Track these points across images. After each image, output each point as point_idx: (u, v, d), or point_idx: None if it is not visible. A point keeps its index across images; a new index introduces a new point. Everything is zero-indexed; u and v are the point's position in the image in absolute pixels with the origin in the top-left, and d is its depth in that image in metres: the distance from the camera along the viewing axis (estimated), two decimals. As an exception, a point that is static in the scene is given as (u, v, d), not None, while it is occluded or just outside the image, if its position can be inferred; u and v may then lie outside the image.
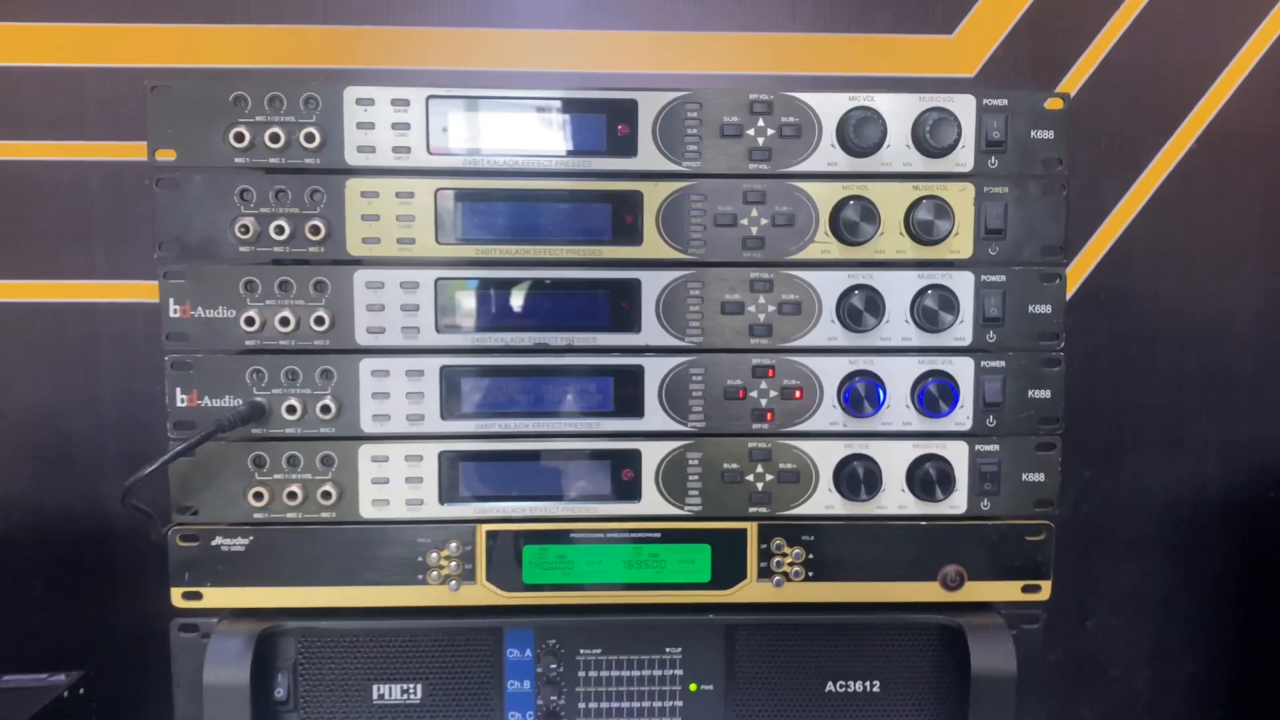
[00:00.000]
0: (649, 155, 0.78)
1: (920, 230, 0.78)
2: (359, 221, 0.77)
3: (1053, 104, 0.79)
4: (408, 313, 0.78)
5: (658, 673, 0.82)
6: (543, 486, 0.81)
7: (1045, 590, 0.82)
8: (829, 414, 0.80)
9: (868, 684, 0.83)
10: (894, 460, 0.81)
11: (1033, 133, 0.79)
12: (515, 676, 0.81)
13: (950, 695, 0.83)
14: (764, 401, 0.80)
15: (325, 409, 0.78)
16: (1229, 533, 1.15)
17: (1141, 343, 1.12)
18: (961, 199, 0.79)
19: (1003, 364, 0.80)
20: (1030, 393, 0.81)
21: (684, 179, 0.79)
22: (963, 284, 0.80)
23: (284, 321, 0.77)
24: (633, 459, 0.80)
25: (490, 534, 0.80)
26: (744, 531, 0.81)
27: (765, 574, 0.81)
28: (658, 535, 0.81)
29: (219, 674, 0.76)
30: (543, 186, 0.78)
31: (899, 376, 0.80)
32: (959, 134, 0.77)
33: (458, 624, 0.81)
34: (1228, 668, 1.16)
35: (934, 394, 0.79)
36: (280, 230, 0.77)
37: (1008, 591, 0.82)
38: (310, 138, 0.76)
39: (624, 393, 0.80)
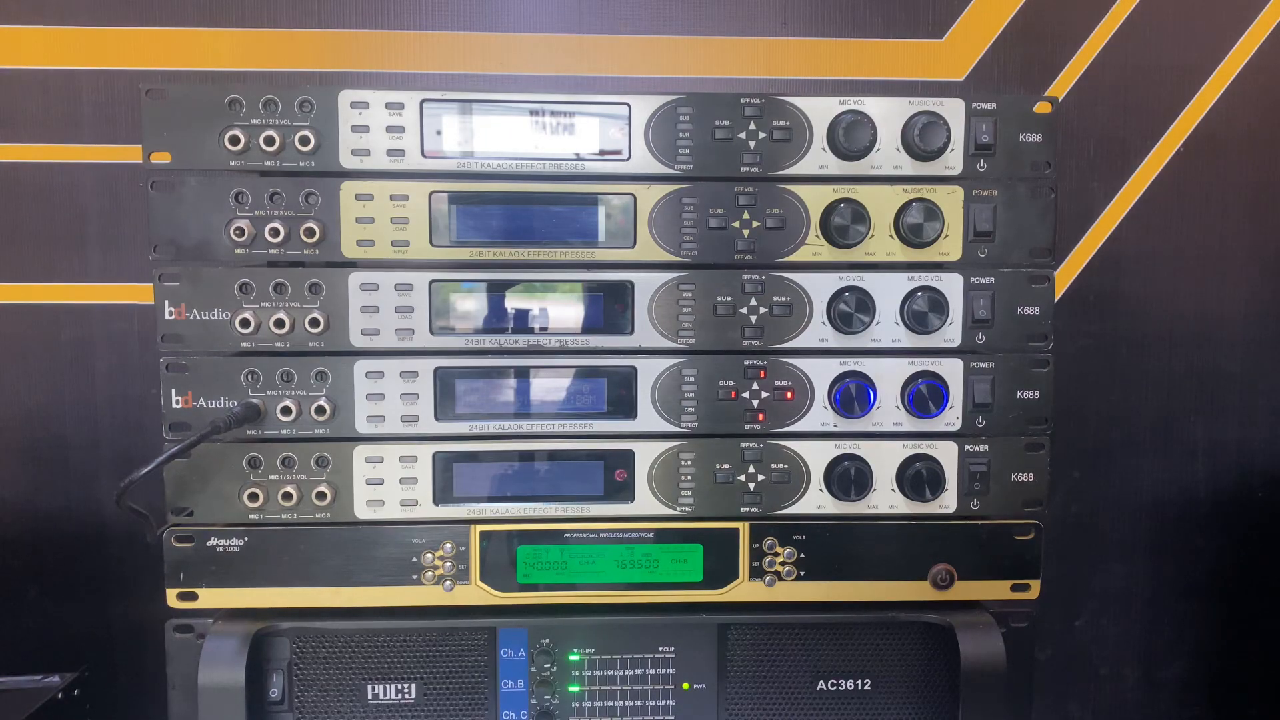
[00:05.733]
0: (641, 158, 0.79)
1: (910, 233, 0.79)
2: (353, 224, 0.78)
3: (1041, 108, 0.80)
4: (402, 315, 0.79)
5: (651, 671, 0.82)
6: (536, 487, 0.81)
7: (1034, 589, 0.83)
8: (820, 414, 0.81)
9: (859, 682, 0.83)
10: (884, 460, 0.81)
11: (1021, 136, 0.80)
12: (509, 676, 0.82)
13: (940, 693, 0.84)
14: (756, 402, 0.81)
15: (320, 410, 0.78)
16: (1217, 532, 1.16)
17: (1130, 344, 1.13)
18: (951, 202, 0.80)
19: (992, 365, 0.81)
20: (1019, 393, 0.81)
21: (676, 182, 0.79)
22: (952, 286, 0.80)
23: (279, 323, 0.78)
24: (626, 460, 0.81)
25: (484, 534, 0.80)
26: (736, 531, 0.81)
27: (757, 573, 0.81)
28: (650, 535, 0.81)
29: (214, 674, 0.77)
30: (536, 189, 0.79)
31: (889, 377, 0.81)
32: (948, 137, 0.78)
33: (452, 624, 0.81)
34: (1216, 666, 1.17)
35: (924, 395, 0.80)
36: (275, 233, 0.77)
37: (997, 590, 0.83)
38: (305, 141, 0.77)
39: (617, 394, 0.81)
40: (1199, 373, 1.13)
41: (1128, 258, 1.11)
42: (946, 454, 0.81)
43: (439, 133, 0.78)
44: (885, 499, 0.82)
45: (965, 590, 0.82)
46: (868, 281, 0.80)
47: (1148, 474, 1.14)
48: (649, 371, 0.80)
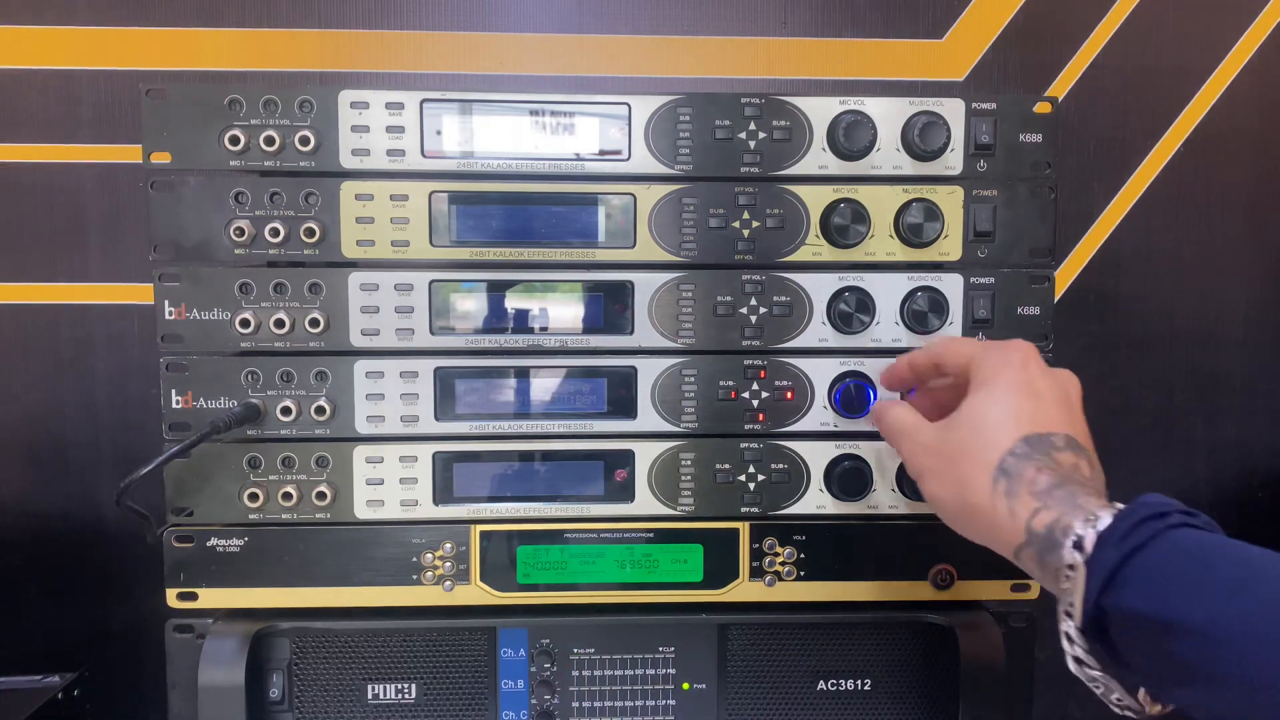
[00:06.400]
0: (641, 158, 0.79)
1: (910, 233, 0.79)
2: (353, 224, 0.78)
3: (1041, 108, 0.80)
4: (402, 315, 0.79)
5: (651, 672, 0.82)
6: (536, 487, 0.81)
7: (1035, 589, 0.83)
8: (820, 414, 0.81)
9: (859, 682, 0.83)
10: (884, 460, 0.81)
11: (1021, 136, 0.80)
12: (509, 676, 0.82)
13: (940, 693, 0.84)
14: (756, 402, 0.81)
15: (320, 410, 0.78)
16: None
17: (1129, 344, 1.13)
18: (951, 202, 0.80)
19: (992, 365, 0.81)
20: (1019, 393, 0.81)
21: (676, 182, 0.79)
22: (952, 286, 0.80)
23: (279, 323, 0.78)
24: (626, 460, 0.81)
25: (484, 534, 0.80)
26: (736, 531, 0.81)
27: (757, 573, 0.82)
28: (650, 535, 0.81)
29: (214, 675, 0.77)
30: (536, 189, 0.79)
31: (889, 377, 0.81)
32: (948, 137, 0.78)
33: (452, 624, 0.81)
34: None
35: (924, 395, 0.80)
36: (275, 233, 0.77)
37: (997, 590, 0.83)
38: (305, 141, 0.77)
39: (617, 394, 0.81)
40: (1199, 373, 1.13)
41: (1128, 258, 1.11)
42: (946, 454, 0.81)
43: (439, 133, 0.78)
44: (885, 499, 0.82)
45: (965, 590, 0.82)
46: (868, 281, 0.80)
47: (1148, 474, 1.14)
48: (649, 371, 0.80)
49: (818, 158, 0.79)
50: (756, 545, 0.81)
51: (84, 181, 1.05)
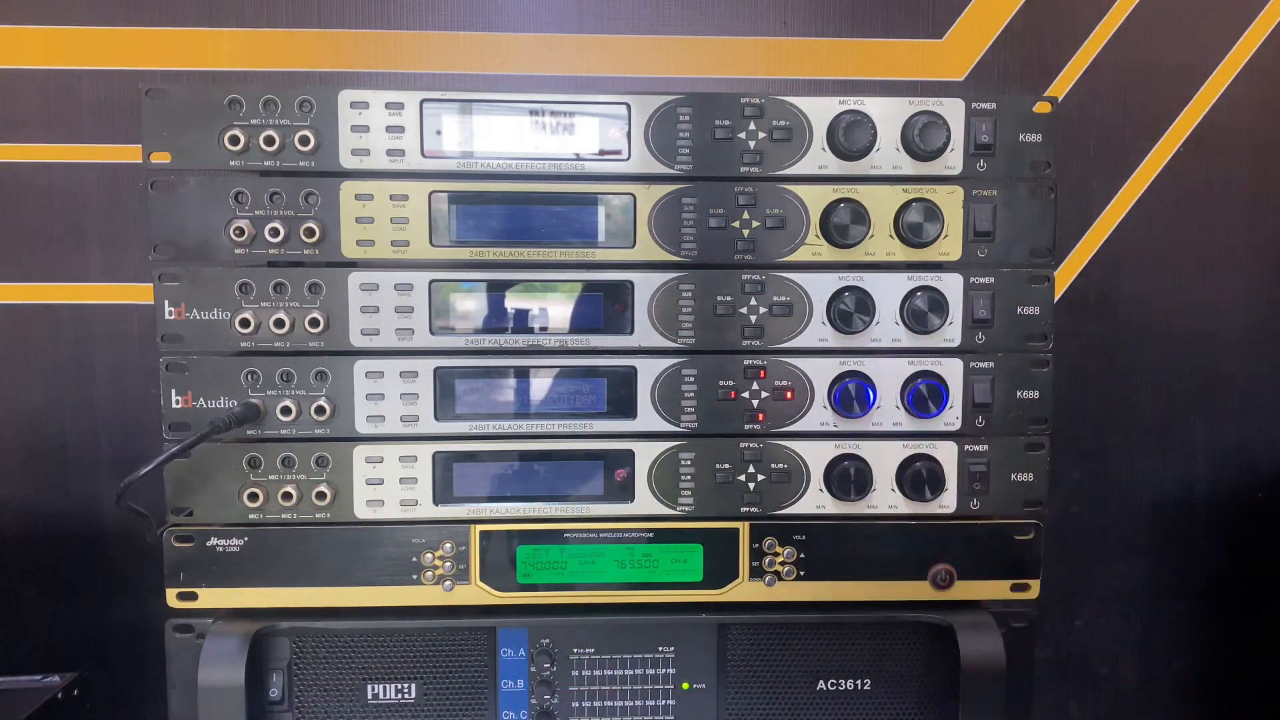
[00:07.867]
0: (641, 158, 0.79)
1: (910, 233, 0.79)
2: (353, 224, 0.78)
3: (1041, 108, 0.80)
4: (402, 314, 0.79)
5: (650, 671, 0.82)
6: (536, 487, 0.81)
7: (1034, 589, 0.83)
8: (820, 414, 0.81)
9: (858, 682, 0.83)
10: (884, 460, 0.81)
11: (1021, 136, 0.80)
12: (509, 676, 0.82)
13: (940, 693, 0.84)
14: (755, 402, 0.81)
15: (320, 410, 0.78)
16: (1217, 532, 1.15)
17: (1129, 344, 1.13)
18: (951, 202, 0.80)
19: (991, 365, 0.81)
20: (1019, 393, 0.81)
21: (676, 182, 0.79)
22: (952, 286, 0.80)
23: (279, 323, 0.78)
24: (626, 459, 0.81)
25: (484, 534, 0.80)
26: (736, 531, 0.81)
27: (757, 573, 0.81)
28: (650, 535, 0.81)
29: (214, 674, 0.77)
30: (535, 189, 0.79)
31: (889, 377, 0.81)
32: (948, 137, 0.78)
33: (452, 624, 0.81)
34: (1216, 666, 1.17)
35: (924, 394, 0.80)
36: (275, 233, 0.77)
37: (997, 590, 0.83)
38: (305, 141, 0.77)
39: (617, 394, 0.81)
40: (1199, 373, 1.13)
41: (1127, 257, 1.12)
42: (946, 454, 0.81)
43: (439, 133, 0.78)
44: (885, 499, 0.82)
45: (965, 590, 0.82)
46: (868, 281, 0.80)
47: (1148, 474, 1.14)
48: (649, 371, 0.80)
49: (817, 158, 0.79)
50: (756, 545, 0.81)
51: (84, 181, 1.05)
